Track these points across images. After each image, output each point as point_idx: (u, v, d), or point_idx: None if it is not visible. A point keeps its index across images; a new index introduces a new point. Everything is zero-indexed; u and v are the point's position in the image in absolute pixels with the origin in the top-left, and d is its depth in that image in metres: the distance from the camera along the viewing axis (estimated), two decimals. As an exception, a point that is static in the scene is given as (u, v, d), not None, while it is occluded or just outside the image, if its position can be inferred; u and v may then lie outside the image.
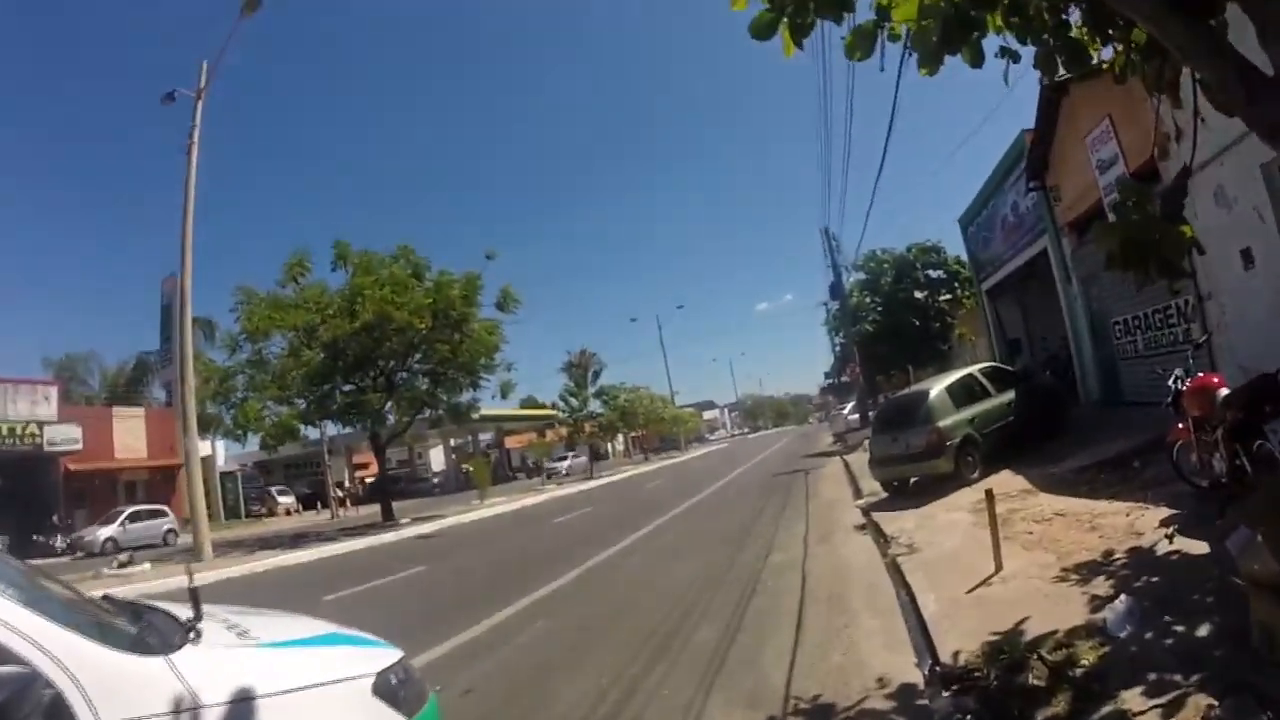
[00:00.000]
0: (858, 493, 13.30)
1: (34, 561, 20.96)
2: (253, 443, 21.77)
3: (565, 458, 46.19)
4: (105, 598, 3.37)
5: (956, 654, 4.13)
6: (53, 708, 1.88)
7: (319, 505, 37.27)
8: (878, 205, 44.27)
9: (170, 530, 26.63)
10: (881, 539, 8.45)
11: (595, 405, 43.68)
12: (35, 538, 24.62)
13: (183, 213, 17.62)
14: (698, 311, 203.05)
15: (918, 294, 26.81)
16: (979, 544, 5.92)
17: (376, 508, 24.67)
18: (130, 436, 31.11)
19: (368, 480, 44.23)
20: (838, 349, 41.24)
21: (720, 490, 19.97)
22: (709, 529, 12.43)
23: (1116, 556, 5.26)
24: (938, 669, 4.11)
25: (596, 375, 43.44)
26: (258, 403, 19.74)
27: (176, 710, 2.06)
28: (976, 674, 3.83)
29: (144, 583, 13.77)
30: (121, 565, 16.27)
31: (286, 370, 20.14)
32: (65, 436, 27.28)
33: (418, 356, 22.87)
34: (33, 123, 75.44)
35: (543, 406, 43.25)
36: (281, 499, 39.71)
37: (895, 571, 6.65)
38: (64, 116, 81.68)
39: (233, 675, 2.28)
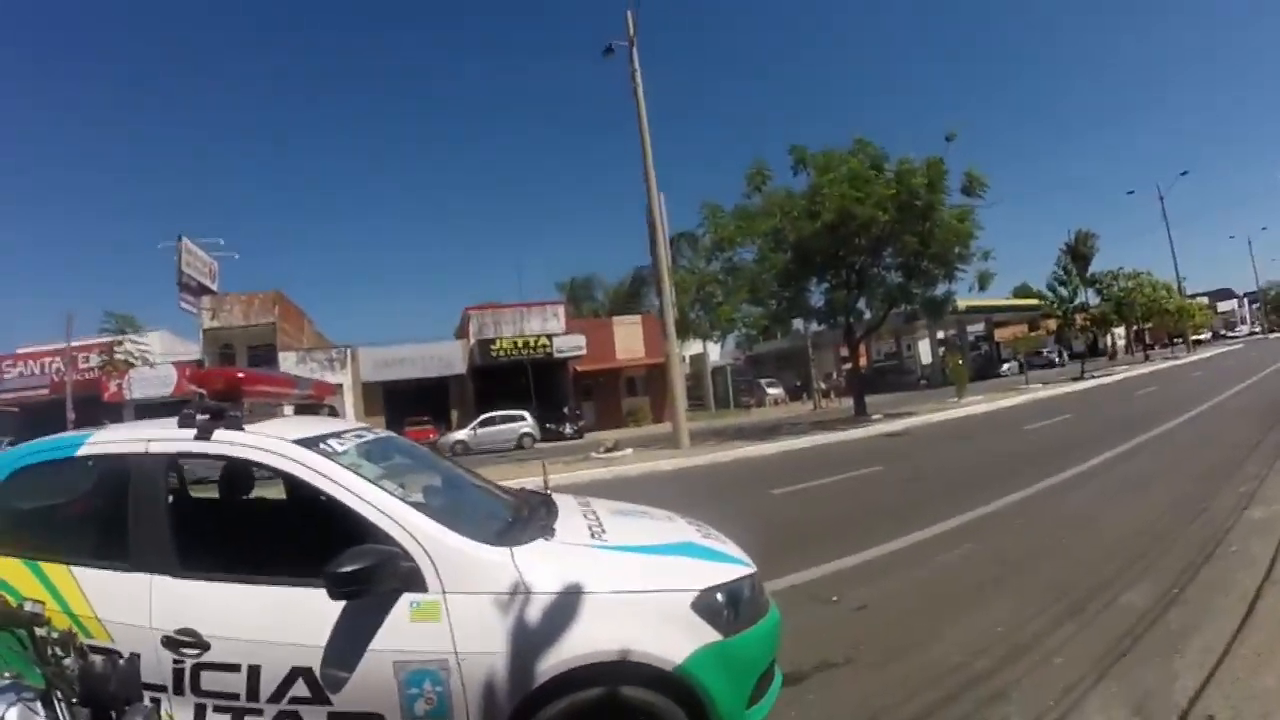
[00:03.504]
0: None
1: (540, 445, 27.68)
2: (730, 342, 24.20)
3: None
4: (521, 490, 4.29)
5: None
6: (410, 575, 2.57)
7: (804, 396, 39.74)
8: None
9: (526, 434, 30.26)
10: None
11: (1087, 295, 37.06)
12: (548, 425, 31.87)
13: (641, 147, 20.28)
14: (1206, 179, 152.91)
15: None
16: None
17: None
18: (630, 340, 37.78)
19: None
20: None
21: (1220, 406, 16.38)
22: (1188, 458, 10.08)
23: None
24: None
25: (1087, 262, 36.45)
26: (730, 307, 21.54)
27: (509, 592, 2.59)
28: None
29: (624, 465, 16.70)
30: (607, 450, 19.65)
31: (756, 274, 21.64)
32: (571, 344, 34.96)
33: (887, 251, 22.42)
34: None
35: (1038, 296, 38.25)
36: (770, 390, 43.38)
37: None
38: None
39: (562, 571, 2.71)
